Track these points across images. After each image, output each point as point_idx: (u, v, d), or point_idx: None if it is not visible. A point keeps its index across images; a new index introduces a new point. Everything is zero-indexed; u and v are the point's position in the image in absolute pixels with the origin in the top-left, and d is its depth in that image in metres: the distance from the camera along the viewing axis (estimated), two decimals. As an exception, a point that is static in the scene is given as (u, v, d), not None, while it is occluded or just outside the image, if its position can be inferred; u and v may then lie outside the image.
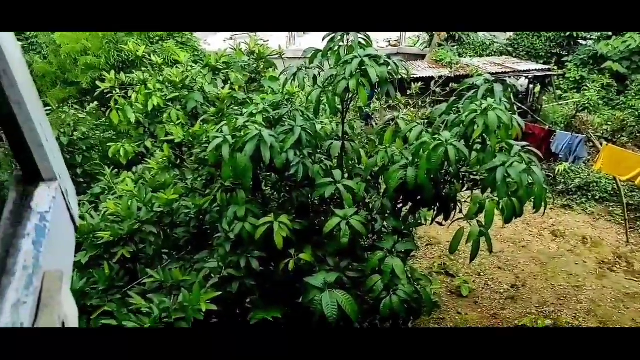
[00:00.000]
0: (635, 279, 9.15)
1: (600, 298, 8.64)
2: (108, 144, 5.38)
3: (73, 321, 0.78)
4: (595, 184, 11.74)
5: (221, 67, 5.11)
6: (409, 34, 21.43)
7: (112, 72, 5.43)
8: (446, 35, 18.51)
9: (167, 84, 4.98)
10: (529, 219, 10.57)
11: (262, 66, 5.41)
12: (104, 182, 5.50)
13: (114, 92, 5.26)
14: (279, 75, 4.76)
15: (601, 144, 10.76)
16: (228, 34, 19.64)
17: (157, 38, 10.18)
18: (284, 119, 4.24)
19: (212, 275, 4.13)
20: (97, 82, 5.67)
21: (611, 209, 11.27)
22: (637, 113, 13.93)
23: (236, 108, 4.89)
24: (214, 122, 4.73)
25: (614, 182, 10.76)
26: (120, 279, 4.13)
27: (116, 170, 5.66)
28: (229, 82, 5.01)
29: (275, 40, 18.40)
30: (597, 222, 11.01)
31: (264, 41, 6.33)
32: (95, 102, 7.58)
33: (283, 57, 6.30)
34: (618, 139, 13.36)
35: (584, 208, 11.43)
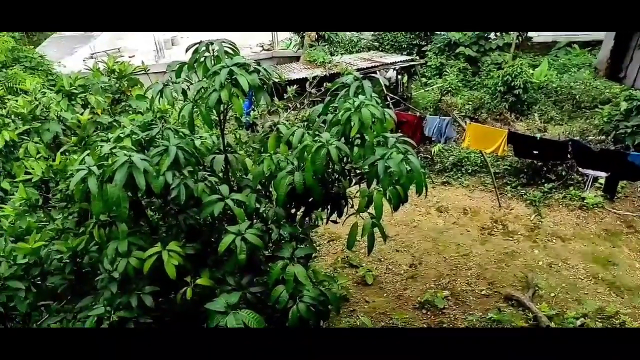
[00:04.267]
0: (510, 239, 10.25)
1: (486, 261, 9.53)
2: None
3: None
4: (466, 159, 12.93)
5: (77, 91, 4.61)
6: (280, 36, 21.67)
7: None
8: (316, 36, 19.02)
9: (13, 116, 4.36)
10: (416, 200, 11.28)
11: (125, 85, 5.00)
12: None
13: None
14: (145, 93, 4.42)
15: (466, 122, 11.87)
16: (87, 53, 18.07)
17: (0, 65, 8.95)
18: (156, 140, 3.95)
19: (104, 320, 3.75)
20: None
21: (482, 179, 12.47)
22: (490, 91, 15.61)
23: (102, 134, 4.45)
24: (80, 152, 4.28)
25: (481, 155, 11.95)
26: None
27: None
28: (89, 106, 4.54)
29: (140, 55, 17.37)
30: (473, 193, 12.13)
31: (130, 57, 5.90)
32: None
33: (149, 72, 5.92)
34: (479, 115, 14.85)
35: (460, 182, 12.51)
